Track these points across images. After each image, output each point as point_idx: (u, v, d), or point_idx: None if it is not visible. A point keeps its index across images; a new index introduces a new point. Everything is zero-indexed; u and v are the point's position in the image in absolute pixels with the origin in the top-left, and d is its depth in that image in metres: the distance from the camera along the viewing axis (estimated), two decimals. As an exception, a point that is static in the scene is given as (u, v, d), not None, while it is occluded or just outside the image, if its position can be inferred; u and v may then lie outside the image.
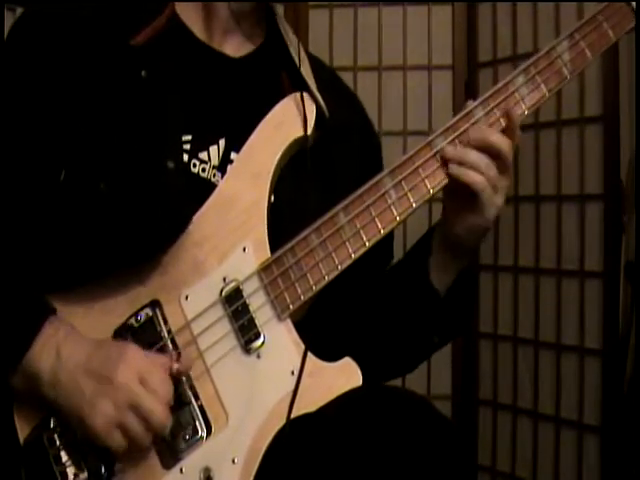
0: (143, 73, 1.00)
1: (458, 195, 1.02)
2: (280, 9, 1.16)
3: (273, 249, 1.00)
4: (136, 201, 0.96)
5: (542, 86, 1.04)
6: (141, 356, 0.93)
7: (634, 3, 1.06)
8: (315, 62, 1.16)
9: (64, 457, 0.94)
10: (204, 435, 0.96)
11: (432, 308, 1.08)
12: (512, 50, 2.19)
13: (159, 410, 0.91)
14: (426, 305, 1.08)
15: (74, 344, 0.93)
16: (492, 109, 1.03)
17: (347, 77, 2.25)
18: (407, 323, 1.09)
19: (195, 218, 0.99)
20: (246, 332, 0.97)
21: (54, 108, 0.97)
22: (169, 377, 0.93)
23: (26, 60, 0.99)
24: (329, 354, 0.98)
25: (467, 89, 2.30)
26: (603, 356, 1.97)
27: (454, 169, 1.00)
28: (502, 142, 1.00)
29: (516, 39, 2.19)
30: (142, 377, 0.91)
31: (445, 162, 1.01)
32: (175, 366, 0.94)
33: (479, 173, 0.99)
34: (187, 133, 1.03)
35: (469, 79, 2.32)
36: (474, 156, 1.00)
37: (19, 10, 1.62)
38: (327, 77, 1.15)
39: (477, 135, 1.00)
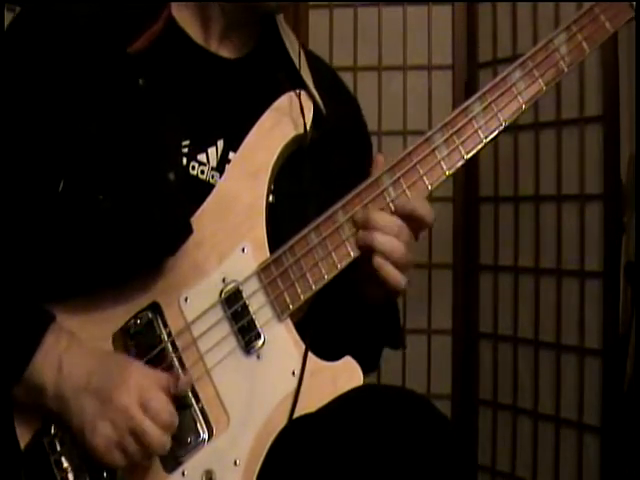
0: (141, 81, 0.99)
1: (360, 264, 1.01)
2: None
3: (273, 249, 1.00)
4: (136, 213, 0.95)
5: (539, 80, 1.03)
6: (143, 376, 0.92)
7: (634, 3, 1.06)
8: (315, 61, 1.16)
9: (65, 462, 0.94)
10: (205, 437, 0.96)
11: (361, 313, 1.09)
12: (512, 50, 2.19)
13: (158, 436, 0.90)
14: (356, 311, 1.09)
15: (76, 356, 0.93)
16: (490, 104, 1.03)
17: (347, 77, 2.25)
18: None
19: (193, 219, 0.99)
20: (246, 333, 0.97)
21: (52, 118, 0.96)
22: (170, 399, 0.92)
23: (22, 68, 0.98)
24: (329, 353, 0.98)
25: (467, 89, 2.29)
26: (603, 356, 1.97)
27: (377, 260, 0.98)
28: (401, 229, 0.98)
29: (516, 39, 2.19)
30: (142, 401, 0.90)
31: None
32: (180, 384, 0.93)
33: (395, 264, 0.98)
34: (186, 138, 1.02)
35: (469, 79, 2.31)
36: (390, 244, 0.97)
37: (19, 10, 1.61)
38: (326, 76, 1.15)
39: (376, 222, 0.98)
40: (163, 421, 0.90)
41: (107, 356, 0.96)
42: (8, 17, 1.60)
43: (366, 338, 1.11)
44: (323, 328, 1.06)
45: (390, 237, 0.97)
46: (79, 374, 0.92)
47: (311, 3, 2.33)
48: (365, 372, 1.11)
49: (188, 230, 0.97)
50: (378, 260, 0.98)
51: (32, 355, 0.92)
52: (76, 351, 0.94)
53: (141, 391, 0.91)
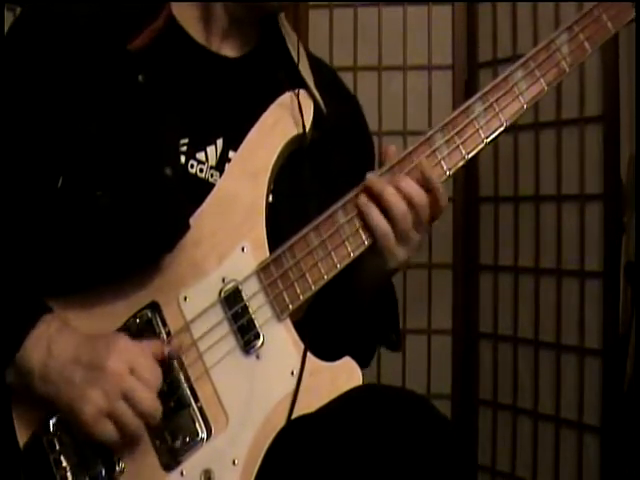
0: (140, 78, 0.99)
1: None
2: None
3: (273, 249, 1.00)
4: (133, 209, 0.95)
5: (541, 80, 1.03)
6: (130, 344, 0.94)
7: (636, 3, 1.06)
8: (315, 62, 1.16)
9: (64, 461, 0.94)
10: (204, 437, 0.96)
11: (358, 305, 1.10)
12: (512, 50, 2.19)
13: (150, 397, 0.91)
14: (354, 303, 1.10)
15: (65, 339, 0.93)
16: (491, 104, 1.02)
17: (347, 77, 2.25)
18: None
19: (193, 218, 0.99)
20: (245, 333, 0.97)
21: (51, 115, 0.97)
22: (158, 364, 0.93)
23: (23, 65, 0.98)
24: (328, 353, 0.98)
25: (467, 89, 2.29)
26: (603, 356, 1.97)
27: (363, 203, 0.98)
28: (417, 194, 0.98)
29: (516, 39, 2.19)
30: (132, 366, 0.91)
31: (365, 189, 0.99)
32: (166, 349, 0.94)
33: (386, 218, 0.97)
34: (184, 136, 1.02)
35: (469, 79, 2.31)
36: (392, 198, 0.97)
37: (20, 10, 1.61)
38: (326, 77, 1.16)
39: (398, 180, 0.98)
40: (152, 383, 0.92)
41: (94, 335, 0.96)
42: (8, 17, 1.60)
43: (360, 330, 1.12)
44: (322, 328, 1.06)
45: (402, 200, 0.97)
46: (67, 352, 0.93)
47: (311, 3, 2.33)
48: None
49: (185, 226, 0.97)
50: (369, 206, 0.97)
51: (22, 340, 0.92)
52: (65, 335, 0.94)
53: (130, 356, 0.92)
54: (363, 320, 1.12)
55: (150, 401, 0.91)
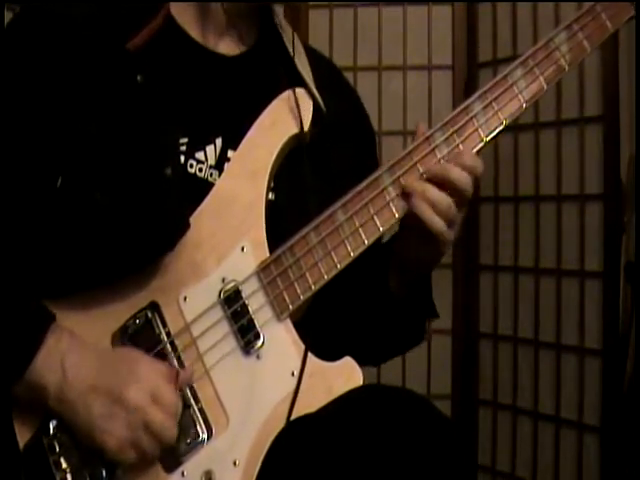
0: (139, 78, 0.99)
1: (412, 225, 1.00)
2: (279, 7, 1.16)
3: (274, 247, 0.99)
4: (133, 210, 0.95)
5: (540, 78, 1.03)
6: (150, 370, 0.93)
7: (635, 2, 1.06)
8: (314, 56, 1.16)
9: (64, 463, 0.94)
10: (205, 438, 0.95)
11: (388, 309, 1.09)
12: (512, 50, 2.19)
13: (171, 426, 0.92)
14: (383, 306, 1.09)
15: (78, 355, 0.93)
16: (490, 102, 1.02)
17: (347, 77, 2.25)
18: (370, 321, 1.11)
19: (192, 218, 0.98)
20: (246, 333, 0.97)
21: (50, 115, 0.96)
22: (177, 389, 0.93)
23: (21, 65, 0.98)
24: (328, 353, 0.98)
25: (467, 89, 2.29)
26: (603, 356, 1.97)
27: (417, 204, 0.98)
28: (461, 178, 0.99)
29: (516, 39, 2.19)
30: (154, 394, 0.91)
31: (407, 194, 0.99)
32: (182, 376, 0.94)
33: (438, 214, 0.98)
34: (184, 136, 1.02)
35: (469, 79, 2.32)
36: (436, 195, 0.98)
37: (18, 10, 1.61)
38: (325, 71, 1.15)
39: (438, 172, 0.99)
40: (173, 410, 0.92)
41: (111, 353, 0.96)
42: (8, 17, 1.60)
43: (412, 311, 1.12)
44: (324, 327, 1.06)
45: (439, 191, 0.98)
46: (84, 376, 0.92)
47: (311, 3, 2.34)
48: (412, 347, 1.16)
49: (185, 224, 0.97)
50: (421, 205, 0.97)
51: (33, 355, 0.91)
52: (78, 352, 0.93)
53: (152, 386, 0.92)
54: (415, 304, 1.13)
55: (171, 431, 0.92)
